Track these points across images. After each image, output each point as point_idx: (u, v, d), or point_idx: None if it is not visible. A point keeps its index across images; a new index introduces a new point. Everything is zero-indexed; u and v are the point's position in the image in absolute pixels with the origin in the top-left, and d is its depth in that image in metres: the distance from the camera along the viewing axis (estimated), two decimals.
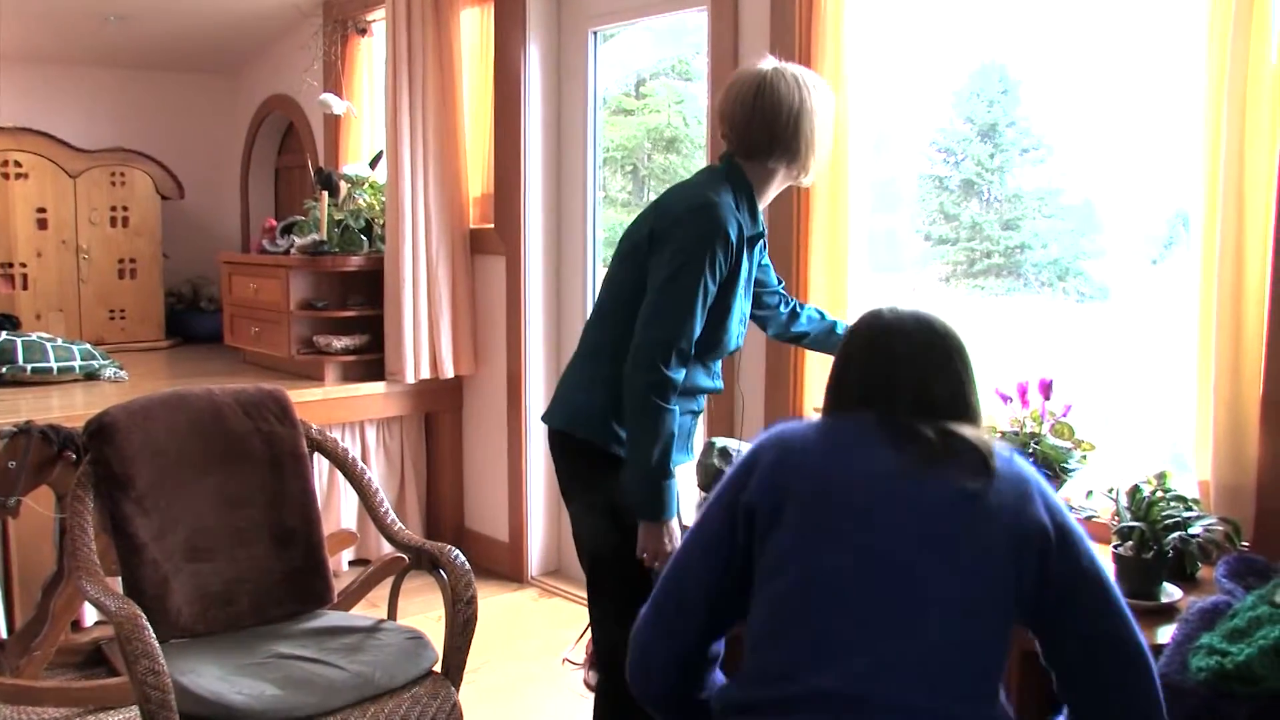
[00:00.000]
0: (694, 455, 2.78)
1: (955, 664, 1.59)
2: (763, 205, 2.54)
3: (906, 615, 1.60)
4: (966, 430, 1.71)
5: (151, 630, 2.29)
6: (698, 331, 2.37)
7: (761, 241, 2.57)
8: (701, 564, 1.77)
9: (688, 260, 2.34)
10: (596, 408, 2.51)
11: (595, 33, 4.37)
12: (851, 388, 1.80)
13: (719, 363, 2.61)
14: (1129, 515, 2.38)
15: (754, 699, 1.65)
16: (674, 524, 2.41)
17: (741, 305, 2.51)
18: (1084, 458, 2.71)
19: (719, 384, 2.62)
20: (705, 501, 1.83)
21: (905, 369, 1.75)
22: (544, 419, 2.67)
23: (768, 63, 2.49)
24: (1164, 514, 2.35)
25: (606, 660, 2.65)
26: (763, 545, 1.70)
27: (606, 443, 2.50)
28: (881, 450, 1.69)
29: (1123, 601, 1.69)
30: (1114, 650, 1.67)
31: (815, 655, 1.60)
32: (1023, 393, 2.78)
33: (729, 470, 1.80)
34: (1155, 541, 2.31)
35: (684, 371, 2.38)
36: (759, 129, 2.44)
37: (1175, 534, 2.31)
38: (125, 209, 5.79)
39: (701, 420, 3.62)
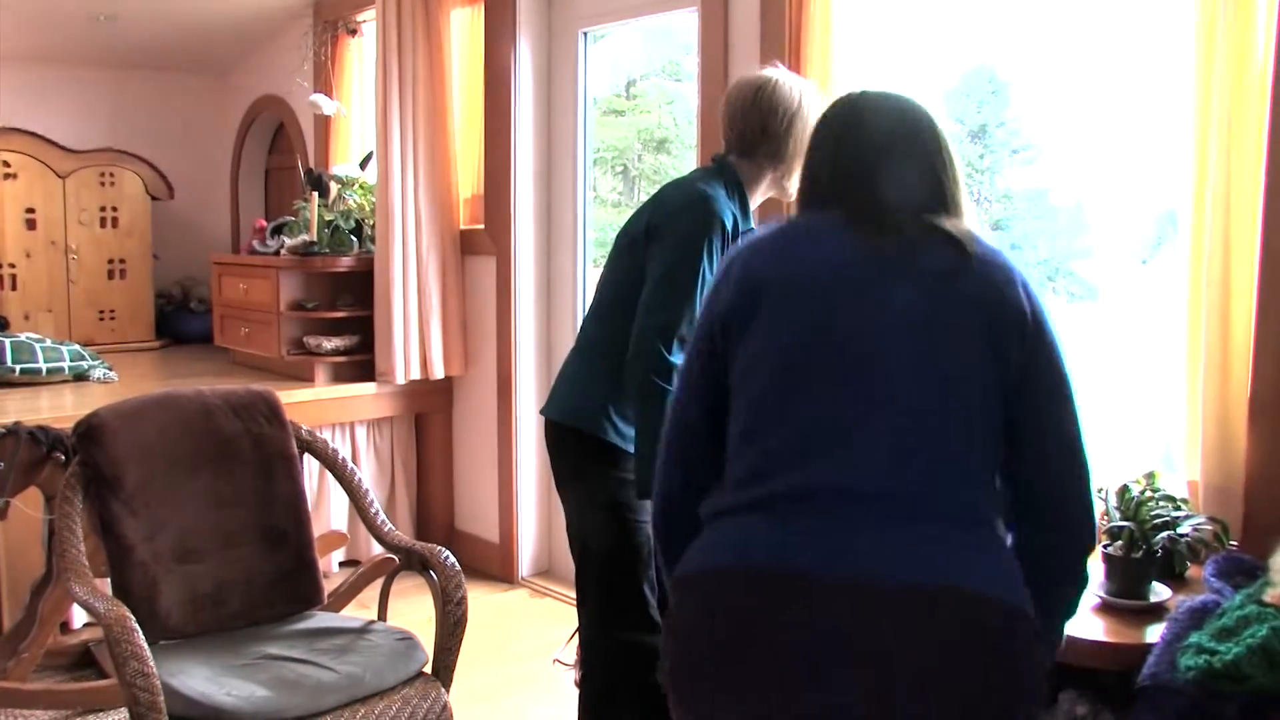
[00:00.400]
0: None
1: (934, 448, 1.54)
2: (753, 205, 2.58)
3: (882, 405, 1.54)
4: (944, 221, 1.64)
5: (140, 632, 2.28)
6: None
7: None
8: (699, 388, 1.73)
9: (688, 249, 2.39)
10: (596, 400, 2.54)
11: (585, 33, 4.37)
12: (823, 182, 1.74)
13: None
14: (1118, 515, 2.39)
15: (734, 502, 1.60)
16: None
17: None
18: None
19: None
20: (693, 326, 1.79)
21: (879, 161, 1.68)
22: (542, 412, 2.69)
23: (774, 70, 2.56)
24: (1153, 514, 2.36)
25: (587, 656, 2.67)
26: (737, 350, 1.66)
27: (606, 435, 2.53)
28: (853, 242, 1.63)
29: (1080, 414, 1.62)
30: (1062, 460, 1.62)
31: (791, 452, 1.56)
32: None
33: (709, 290, 1.76)
34: (1144, 541, 2.32)
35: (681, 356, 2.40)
36: (754, 124, 2.50)
37: (1164, 533, 2.32)
38: (115, 209, 5.78)
39: None
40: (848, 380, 1.57)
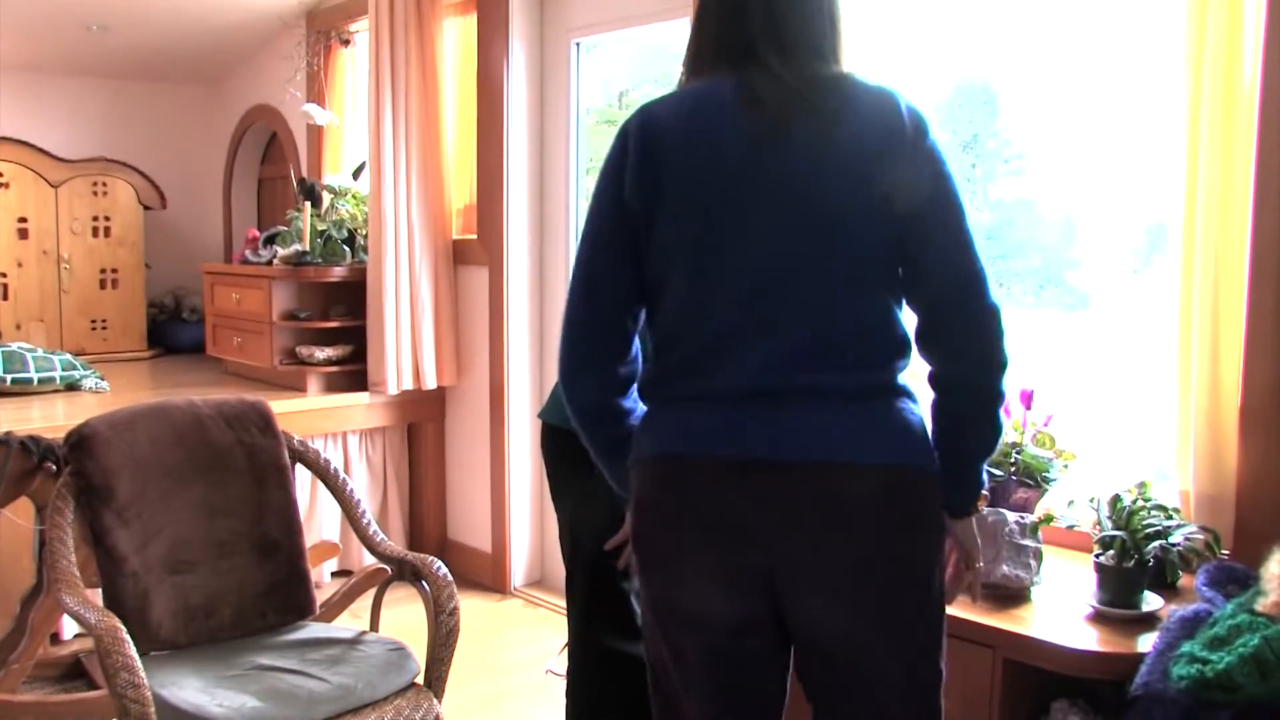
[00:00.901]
0: None
1: (849, 334, 1.67)
2: None
3: (792, 295, 1.65)
4: (824, 72, 1.70)
5: (131, 643, 2.28)
6: None
7: None
8: (605, 259, 1.77)
9: None
10: None
11: (578, 43, 4.38)
12: (707, 36, 1.79)
13: None
14: (1110, 524, 2.39)
15: (674, 394, 1.74)
16: None
17: None
18: (1065, 467, 2.72)
19: None
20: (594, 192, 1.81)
21: (758, 8, 1.71)
22: (540, 415, 2.70)
23: None
24: (1145, 523, 2.36)
25: (574, 666, 2.68)
26: (648, 241, 1.73)
27: None
28: (740, 119, 1.67)
29: (968, 228, 1.69)
30: (955, 271, 1.69)
31: (716, 351, 1.68)
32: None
33: (605, 161, 1.79)
34: (1136, 550, 2.32)
35: None
36: None
37: (1156, 543, 2.32)
38: (107, 219, 5.78)
39: None
40: (754, 268, 1.66)
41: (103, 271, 5.78)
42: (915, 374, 1.75)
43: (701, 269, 1.69)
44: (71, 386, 4.60)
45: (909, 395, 1.72)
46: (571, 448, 2.61)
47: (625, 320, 1.78)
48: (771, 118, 1.66)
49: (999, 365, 1.71)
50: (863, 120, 1.67)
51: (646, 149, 1.72)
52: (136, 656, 2.26)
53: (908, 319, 1.75)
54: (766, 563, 1.66)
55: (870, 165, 1.65)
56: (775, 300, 1.66)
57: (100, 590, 2.66)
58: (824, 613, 1.68)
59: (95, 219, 5.74)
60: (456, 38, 4.75)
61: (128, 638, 2.28)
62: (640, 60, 4.69)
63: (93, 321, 5.74)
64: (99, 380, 4.68)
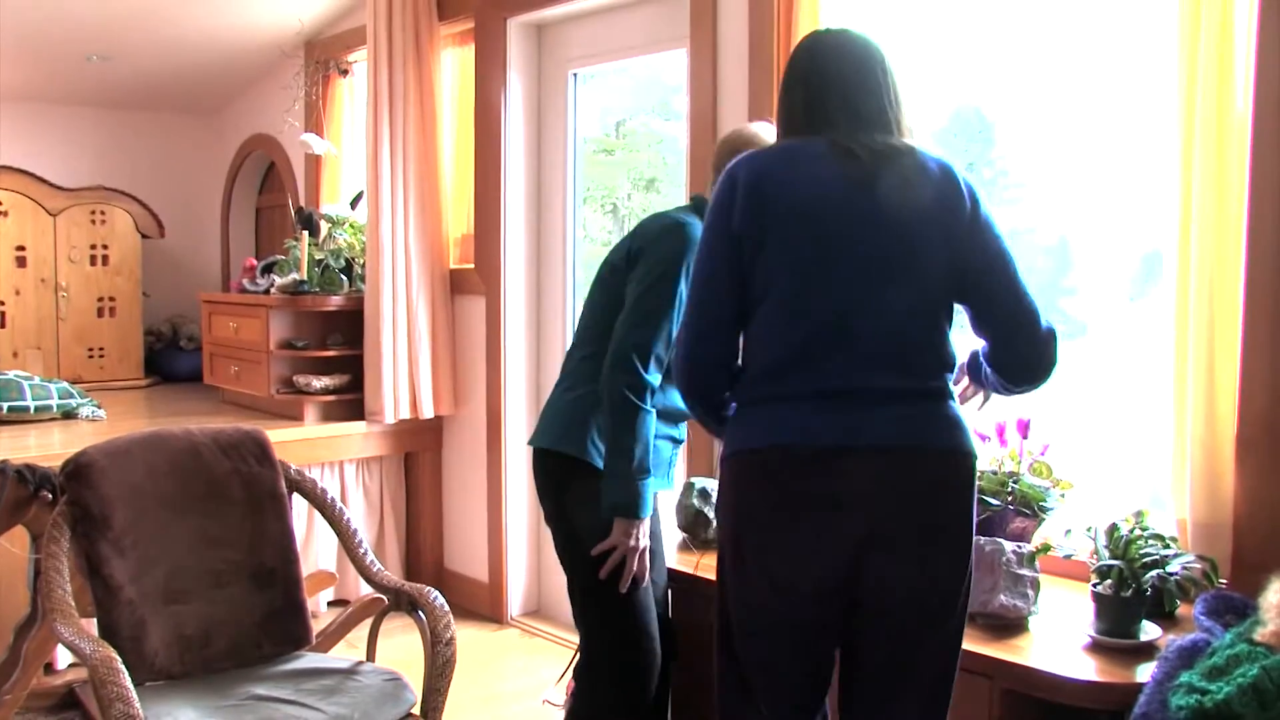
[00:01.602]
0: (674, 486, 2.81)
1: (914, 349, 2.00)
2: None
3: (874, 313, 1.98)
4: (895, 141, 2.04)
5: (127, 673, 2.27)
6: (671, 341, 2.47)
7: None
8: (724, 283, 2.06)
9: (665, 271, 2.51)
10: (579, 423, 2.60)
11: (575, 74, 4.40)
12: (797, 119, 2.11)
13: None
14: (1107, 554, 2.39)
15: (763, 394, 2.04)
16: (646, 524, 2.51)
17: None
18: (1062, 496, 2.72)
19: None
20: (702, 238, 2.12)
21: (840, 98, 2.07)
22: (530, 442, 2.73)
23: (760, 124, 2.70)
24: (1142, 552, 2.36)
25: (581, 675, 2.71)
26: (752, 265, 2.03)
27: (589, 457, 2.57)
28: (836, 166, 2.01)
29: (1020, 273, 2.05)
30: (1015, 316, 2.05)
31: (801, 357, 1.99)
32: (1000, 432, 2.80)
33: (713, 200, 2.09)
34: (1134, 580, 2.32)
35: (659, 377, 2.50)
36: (717, 162, 2.59)
37: (1153, 572, 2.32)
38: (105, 247, 5.79)
39: (682, 458, 3.63)
40: (841, 291, 1.99)
41: (100, 300, 5.78)
42: None
43: (799, 290, 2.00)
44: (68, 415, 4.60)
45: (954, 397, 2.06)
46: (555, 471, 2.64)
47: (733, 333, 2.09)
48: (865, 166, 2.00)
49: (1049, 365, 2.08)
50: (933, 183, 2.01)
51: (752, 186, 2.03)
52: (131, 687, 2.25)
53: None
54: (851, 532, 1.96)
55: (939, 220, 2.01)
56: (856, 318, 1.98)
57: (95, 620, 2.65)
58: (899, 570, 1.99)
59: (93, 247, 5.76)
60: (454, 68, 4.78)
61: (123, 668, 2.27)
62: (638, 90, 4.71)
63: (90, 350, 5.74)
64: (96, 409, 4.68)
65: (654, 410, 2.49)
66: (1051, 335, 2.06)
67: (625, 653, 2.60)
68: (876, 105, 2.07)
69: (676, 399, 2.56)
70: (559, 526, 2.68)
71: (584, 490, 2.58)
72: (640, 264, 2.57)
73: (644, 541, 2.51)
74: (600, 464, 2.54)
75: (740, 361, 2.11)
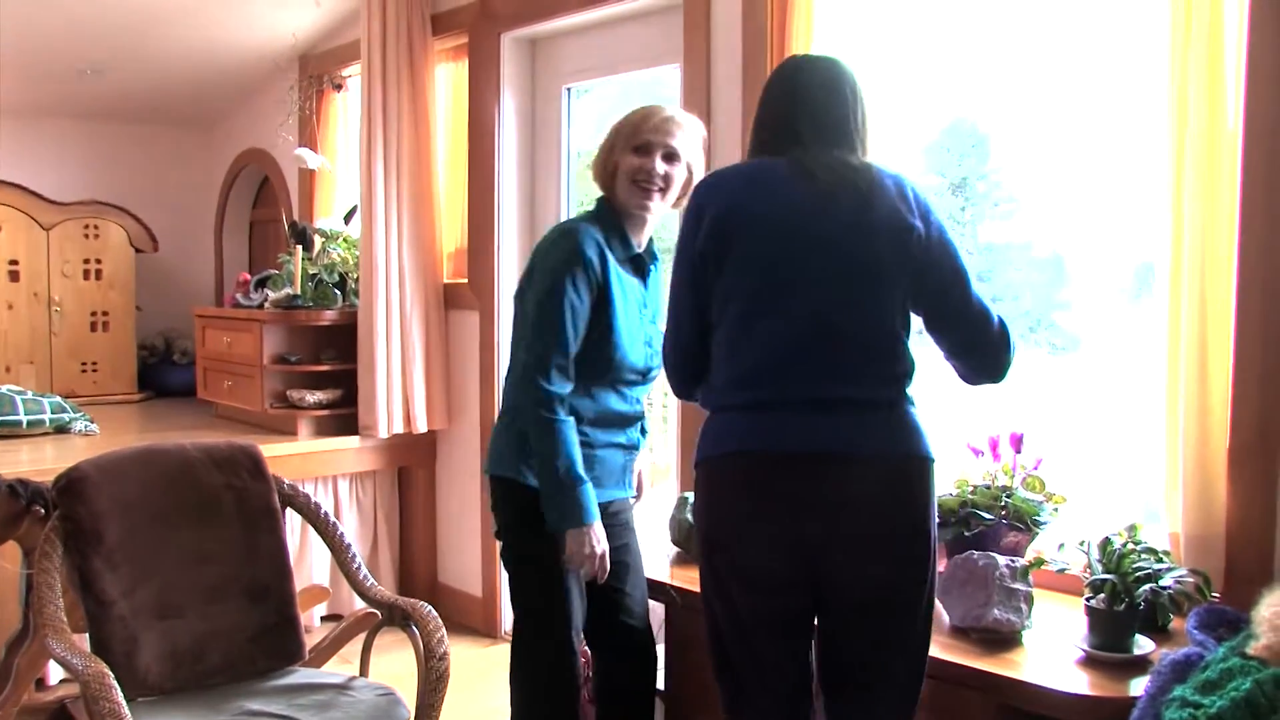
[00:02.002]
0: (633, 491, 2.86)
1: (875, 359, 2.11)
2: (638, 230, 2.71)
3: (830, 329, 2.09)
4: (854, 160, 2.16)
5: (119, 689, 2.27)
6: (573, 348, 2.53)
7: (655, 266, 2.80)
8: (691, 305, 2.21)
9: (550, 284, 2.54)
10: (511, 446, 2.65)
11: (569, 89, 4.41)
12: (767, 135, 2.25)
13: (639, 389, 2.73)
14: (1100, 568, 2.39)
15: (728, 403, 2.17)
16: (596, 528, 2.52)
17: (634, 325, 2.64)
18: (1055, 510, 2.73)
19: (638, 408, 2.74)
20: (675, 252, 2.25)
21: (806, 110, 2.20)
22: (485, 471, 2.79)
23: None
24: (1135, 566, 2.36)
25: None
26: (717, 280, 2.16)
27: (525, 479, 2.61)
28: (794, 189, 2.12)
29: (973, 285, 2.17)
30: (964, 321, 2.18)
31: (767, 368, 2.11)
32: (994, 446, 2.80)
33: (682, 225, 2.23)
34: (1127, 594, 2.32)
35: (567, 385, 2.53)
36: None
37: (1146, 586, 2.32)
38: (98, 261, 5.78)
39: (675, 473, 3.63)
40: (798, 308, 2.10)
41: (93, 314, 5.77)
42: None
43: (762, 306, 2.11)
44: (61, 429, 4.59)
45: (912, 402, 2.16)
46: (499, 497, 2.71)
47: (704, 351, 2.22)
48: (823, 186, 2.11)
49: (1007, 362, 2.21)
50: (889, 199, 2.12)
51: (715, 209, 2.15)
52: (124, 703, 2.24)
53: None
54: (813, 533, 2.07)
55: (896, 235, 2.11)
56: (820, 332, 2.09)
57: (87, 635, 2.64)
58: (864, 570, 2.10)
59: (86, 261, 5.75)
60: (448, 84, 4.79)
61: (115, 683, 2.27)
62: (632, 102, 4.71)
63: (83, 364, 5.73)
64: (88, 423, 4.67)
65: (568, 420, 2.52)
66: (1004, 332, 2.18)
67: (539, 674, 2.72)
68: (843, 124, 2.19)
69: (613, 402, 2.65)
70: (502, 546, 2.75)
71: (514, 510, 2.66)
72: (532, 278, 2.62)
73: (600, 546, 2.52)
74: (532, 482, 2.58)
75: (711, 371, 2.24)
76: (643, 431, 2.79)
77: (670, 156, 2.63)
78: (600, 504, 2.57)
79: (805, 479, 2.08)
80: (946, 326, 2.20)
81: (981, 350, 2.20)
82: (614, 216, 2.68)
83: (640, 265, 2.72)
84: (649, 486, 3.02)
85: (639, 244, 2.71)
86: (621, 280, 2.63)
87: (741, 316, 2.14)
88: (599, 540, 2.52)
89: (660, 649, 2.92)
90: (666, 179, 2.64)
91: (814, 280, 2.10)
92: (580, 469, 2.50)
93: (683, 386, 2.33)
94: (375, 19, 4.48)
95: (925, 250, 2.13)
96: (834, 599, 2.15)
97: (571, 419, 2.53)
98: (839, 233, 2.10)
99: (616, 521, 2.73)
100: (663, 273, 2.83)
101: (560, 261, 2.55)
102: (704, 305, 2.20)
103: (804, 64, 2.30)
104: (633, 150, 2.63)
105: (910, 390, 2.17)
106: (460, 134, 4.67)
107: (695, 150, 2.70)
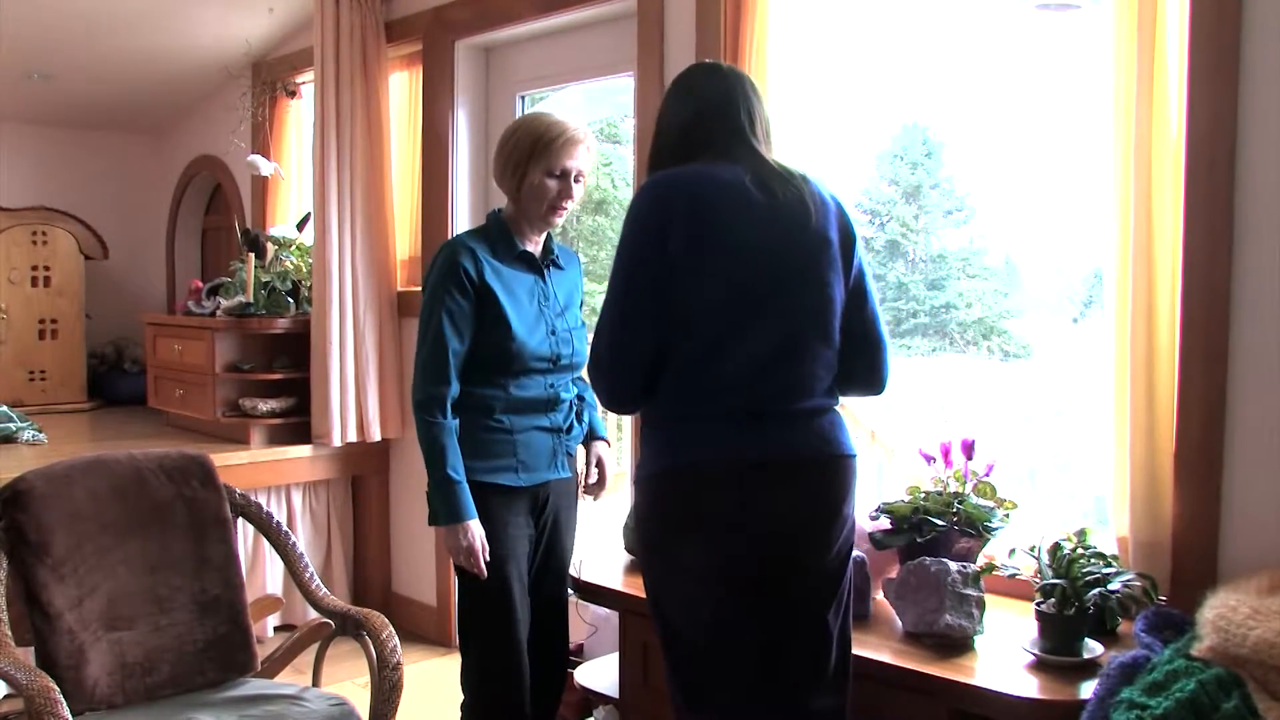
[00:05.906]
0: (569, 473, 2.93)
1: (817, 372, 2.21)
2: (531, 227, 2.82)
3: (787, 343, 2.17)
4: (795, 170, 2.26)
5: (65, 703, 2.24)
6: (455, 347, 2.68)
7: (552, 261, 2.88)
8: (648, 310, 2.17)
9: (430, 293, 2.72)
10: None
11: (523, 96, 4.41)
12: (703, 129, 2.28)
13: (554, 376, 2.82)
14: (1051, 573, 2.42)
15: (686, 412, 2.19)
16: (472, 525, 2.66)
17: (530, 316, 2.76)
18: (1006, 516, 2.75)
19: (554, 392, 2.83)
20: (624, 255, 2.21)
21: (718, 113, 2.27)
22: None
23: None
24: (1084, 571, 2.39)
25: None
26: (682, 285, 2.15)
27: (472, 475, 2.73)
28: (754, 200, 2.17)
29: (876, 304, 2.33)
30: (873, 340, 2.33)
31: (731, 378, 2.15)
32: (945, 452, 2.82)
33: (640, 220, 2.19)
34: (1076, 598, 2.35)
35: (450, 385, 2.68)
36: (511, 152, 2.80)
37: (1095, 590, 2.35)
38: (47, 268, 5.71)
39: (627, 481, 3.63)
40: (762, 323, 2.16)
41: (41, 322, 5.70)
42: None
43: (738, 322, 2.15)
44: (7, 439, 4.53)
45: (838, 405, 2.31)
46: None
47: (654, 350, 2.19)
48: (779, 200, 2.18)
49: (888, 379, 2.38)
50: (832, 219, 2.25)
51: (693, 212, 2.15)
52: (71, 718, 2.21)
53: None
54: (759, 532, 2.16)
55: (839, 254, 2.24)
56: (774, 347, 2.16)
57: (33, 649, 2.60)
58: (803, 562, 2.20)
59: (34, 268, 5.68)
60: (402, 91, 4.78)
61: (61, 698, 2.24)
62: (587, 107, 4.72)
63: (31, 372, 5.66)
64: (36, 432, 4.61)
65: (445, 422, 2.66)
66: (887, 364, 2.37)
67: (481, 662, 2.82)
68: (767, 126, 2.31)
69: (524, 390, 2.76)
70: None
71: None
72: (424, 296, 2.77)
73: (475, 542, 2.67)
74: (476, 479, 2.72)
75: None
76: (578, 417, 2.91)
77: (579, 176, 2.79)
78: (532, 486, 2.78)
79: (753, 486, 2.17)
80: (850, 335, 2.29)
81: (877, 362, 2.35)
82: (502, 225, 2.82)
83: (532, 261, 2.83)
84: (611, 474, 3.07)
85: (533, 244, 2.84)
86: (503, 275, 2.75)
87: (717, 330, 2.16)
88: (474, 537, 2.66)
89: (614, 657, 2.93)
90: (575, 196, 2.81)
91: (787, 301, 2.18)
92: (456, 470, 2.66)
93: (629, 395, 2.26)
94: (329, 26, 4.46)
95: (856, 269, 2.28)
96: (782, 594, 2.22)
97: (451, 421, 2.67)
98: (805, 251, 2.20)
99: (552, 503, 2.87)
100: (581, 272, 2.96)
101: (437, 273, 2.72)
102: (664, 314, 2.17)
103: (707, 68, 2.41)
104: (546, 174, 2.74)
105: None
106: (414, 142, 4.66)
107: (593, 163, 2.88)
